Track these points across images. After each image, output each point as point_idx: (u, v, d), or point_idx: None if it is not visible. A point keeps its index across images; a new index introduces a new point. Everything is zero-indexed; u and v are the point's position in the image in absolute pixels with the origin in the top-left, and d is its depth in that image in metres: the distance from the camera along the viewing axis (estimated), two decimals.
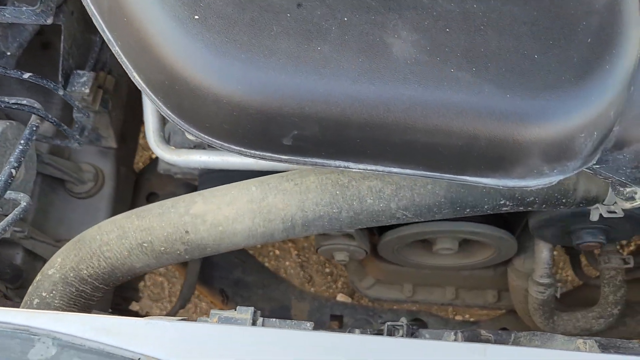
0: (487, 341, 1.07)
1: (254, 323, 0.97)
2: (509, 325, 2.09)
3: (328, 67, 0.67)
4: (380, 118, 0.68)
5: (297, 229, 1.00)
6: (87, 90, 1.26)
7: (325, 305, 2.16)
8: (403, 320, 1.17)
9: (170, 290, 2.60)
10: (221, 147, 0.75)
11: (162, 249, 1.02)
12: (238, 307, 1.00)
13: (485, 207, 1.01)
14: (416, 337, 1.11)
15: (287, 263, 2.66)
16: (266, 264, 2.67)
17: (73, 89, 1.26)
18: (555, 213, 1.29)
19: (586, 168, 0.76)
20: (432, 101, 0.67)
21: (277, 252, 2.67)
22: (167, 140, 1.41)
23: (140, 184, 1.82)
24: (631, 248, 2.57)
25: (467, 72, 0.66)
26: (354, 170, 0.75)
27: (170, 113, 0.75)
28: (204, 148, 1.26)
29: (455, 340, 0.99)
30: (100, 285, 1.04)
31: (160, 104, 0.75)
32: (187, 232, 1.00)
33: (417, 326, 1.20)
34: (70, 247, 1.04)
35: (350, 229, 1.02)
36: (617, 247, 1.66)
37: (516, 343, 1.06)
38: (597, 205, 1.05)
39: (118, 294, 1.78)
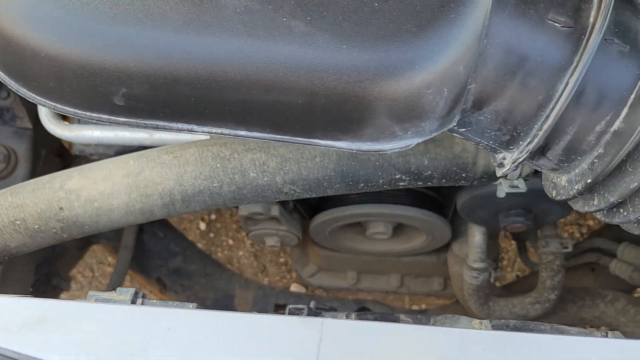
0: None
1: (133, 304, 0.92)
2: (457, 313, 2.03)
3: (150, 16, 0.61)
4: (209, 73, 0.62)
5: (177, 205, 0.94)
6: None
7: (271, 294, 2.10)
8: (313, 305, 1.13)
9: None
10: (55, 109, 0.69)
11: (36, 227, 0.96)
12: (118, 289, 0.94)
13: (380, 181, 0.96)
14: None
15: (241, 253, 2.60)
16: (219, 254, 2.61)
17: None
18: (477, 193, 1.24)
19: (450, 132, 0.70)
20: (262, 54, 0.61)
21: (231, 242, 2.61)
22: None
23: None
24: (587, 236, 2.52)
25: (301, 21, 0.60)
26: (199, 133, 0.69)
27: None
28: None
29: (348, 319, 0.95)
30: None
31: None
32: (61, 208, 0.94)
33: (322, 310, 1.15)
34: None
35: (235, 205, 0.97)
36: (557, 230, 1.60)
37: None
38: (500, 180, 1.00)
39: (45, 281, 1.72)
